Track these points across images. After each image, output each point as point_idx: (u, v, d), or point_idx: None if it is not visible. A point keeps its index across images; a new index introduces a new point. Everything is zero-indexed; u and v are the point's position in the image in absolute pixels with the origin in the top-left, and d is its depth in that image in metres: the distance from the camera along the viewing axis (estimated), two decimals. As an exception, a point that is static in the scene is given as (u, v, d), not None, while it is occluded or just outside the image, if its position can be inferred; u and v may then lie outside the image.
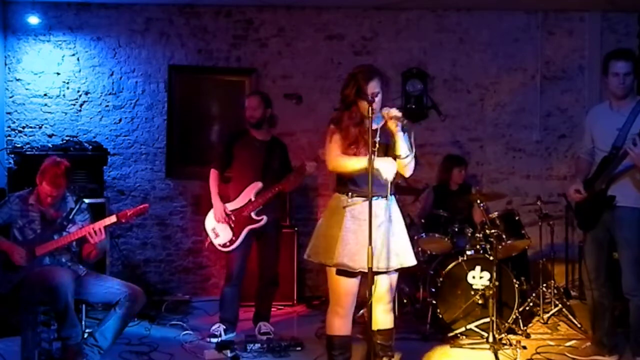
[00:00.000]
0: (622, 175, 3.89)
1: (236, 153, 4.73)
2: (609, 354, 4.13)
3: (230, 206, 4.69)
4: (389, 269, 3.41)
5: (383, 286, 3.46)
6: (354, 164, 3.34)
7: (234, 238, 4.64)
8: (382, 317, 3.50)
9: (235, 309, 4.79)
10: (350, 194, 3.40)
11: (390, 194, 3.43)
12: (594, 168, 4.07)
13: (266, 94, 4.93)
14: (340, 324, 3.48)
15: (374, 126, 3.30)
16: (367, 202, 3.18)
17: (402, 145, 3.32)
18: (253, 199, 4.64)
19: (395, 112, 3.26)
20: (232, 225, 4.65)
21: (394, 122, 3.27)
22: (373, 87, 3.33)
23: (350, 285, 3.43)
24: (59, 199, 4.00)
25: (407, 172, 3.43)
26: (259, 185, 4.64)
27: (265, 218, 4.64)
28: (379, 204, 3.37)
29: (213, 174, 4.73)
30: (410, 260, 3.47)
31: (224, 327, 4.69)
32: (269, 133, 4.82)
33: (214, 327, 4.71)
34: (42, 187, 3.92)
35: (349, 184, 3.41)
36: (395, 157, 3.36)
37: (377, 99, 3.31)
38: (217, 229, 4.68)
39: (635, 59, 3.94)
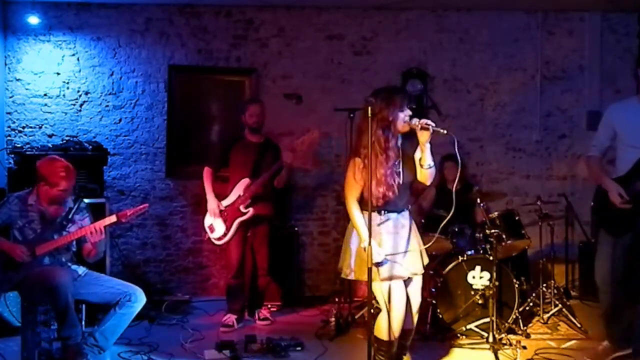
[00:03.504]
0: None
1: (232, 156, 5.08)
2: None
3: (225, 202, 5.01)
4: (421, 272, 3.65)
5: (415, 287, 3.66)
6: (358, 228, 3.46)
7: (226, 231, 4.97)
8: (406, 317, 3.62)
9: (242, 300, 5.14)
10: (383, 211, 3.51)
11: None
12: (622, 165, 3.91)
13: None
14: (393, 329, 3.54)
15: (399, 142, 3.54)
16: (397, 216, 3.53)
17: (428, 157, 3.47)
18: (242, 194, 4.95)
19: (428, 122, 3.35)
20: (225, 220, 4.98)
21: (425, 133, 3.35)
22: (407, 108, 3.47)
23: (400, 291, 3.53)
24: (69, 192, 3.97)
25: (429, 181, 3.59)
26: (247, 181, 4.96)
27: (251, 210, 4.94)
28: (404, 215, 3.61)
29: (207, 172, 5.07)
30: (425, 261, 3.78)
31: (235, 316, 5.04)
32: (262, 135, 5.15)
33: (225, 318, 5.04)
34: (43, 187, 3.90)
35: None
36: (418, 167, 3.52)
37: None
38: (214, 225, 5.01)
39: None
